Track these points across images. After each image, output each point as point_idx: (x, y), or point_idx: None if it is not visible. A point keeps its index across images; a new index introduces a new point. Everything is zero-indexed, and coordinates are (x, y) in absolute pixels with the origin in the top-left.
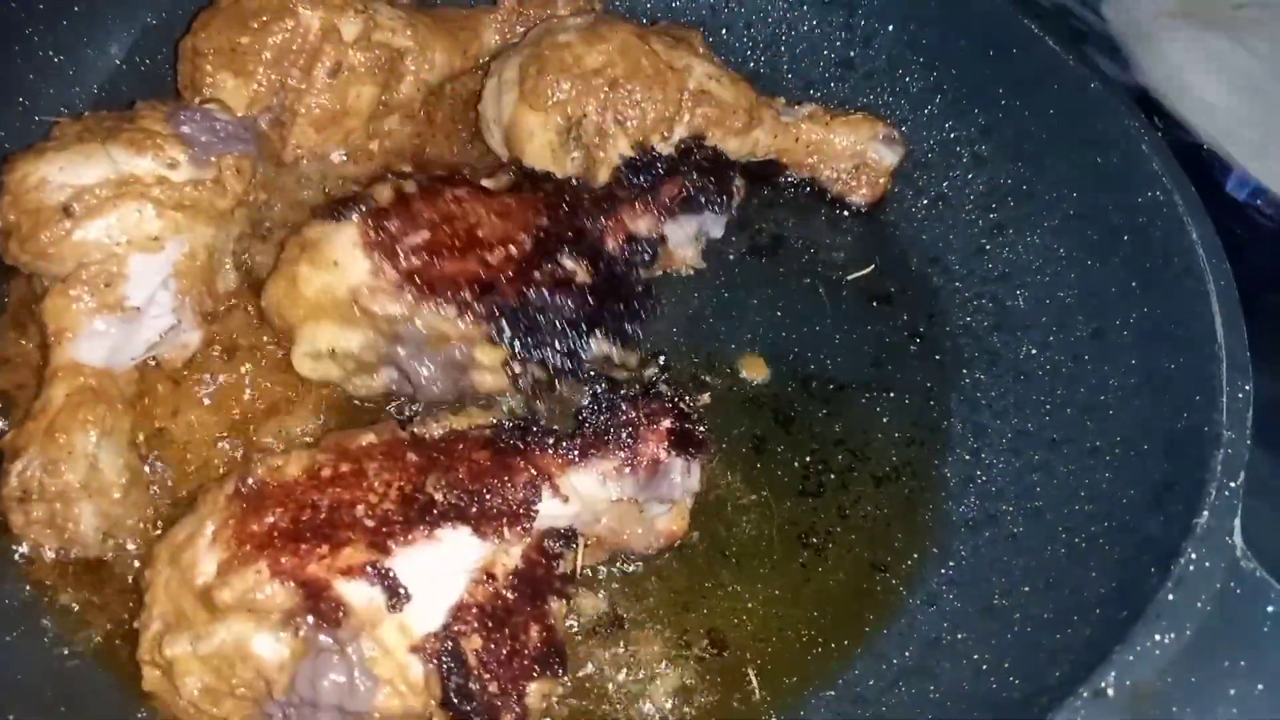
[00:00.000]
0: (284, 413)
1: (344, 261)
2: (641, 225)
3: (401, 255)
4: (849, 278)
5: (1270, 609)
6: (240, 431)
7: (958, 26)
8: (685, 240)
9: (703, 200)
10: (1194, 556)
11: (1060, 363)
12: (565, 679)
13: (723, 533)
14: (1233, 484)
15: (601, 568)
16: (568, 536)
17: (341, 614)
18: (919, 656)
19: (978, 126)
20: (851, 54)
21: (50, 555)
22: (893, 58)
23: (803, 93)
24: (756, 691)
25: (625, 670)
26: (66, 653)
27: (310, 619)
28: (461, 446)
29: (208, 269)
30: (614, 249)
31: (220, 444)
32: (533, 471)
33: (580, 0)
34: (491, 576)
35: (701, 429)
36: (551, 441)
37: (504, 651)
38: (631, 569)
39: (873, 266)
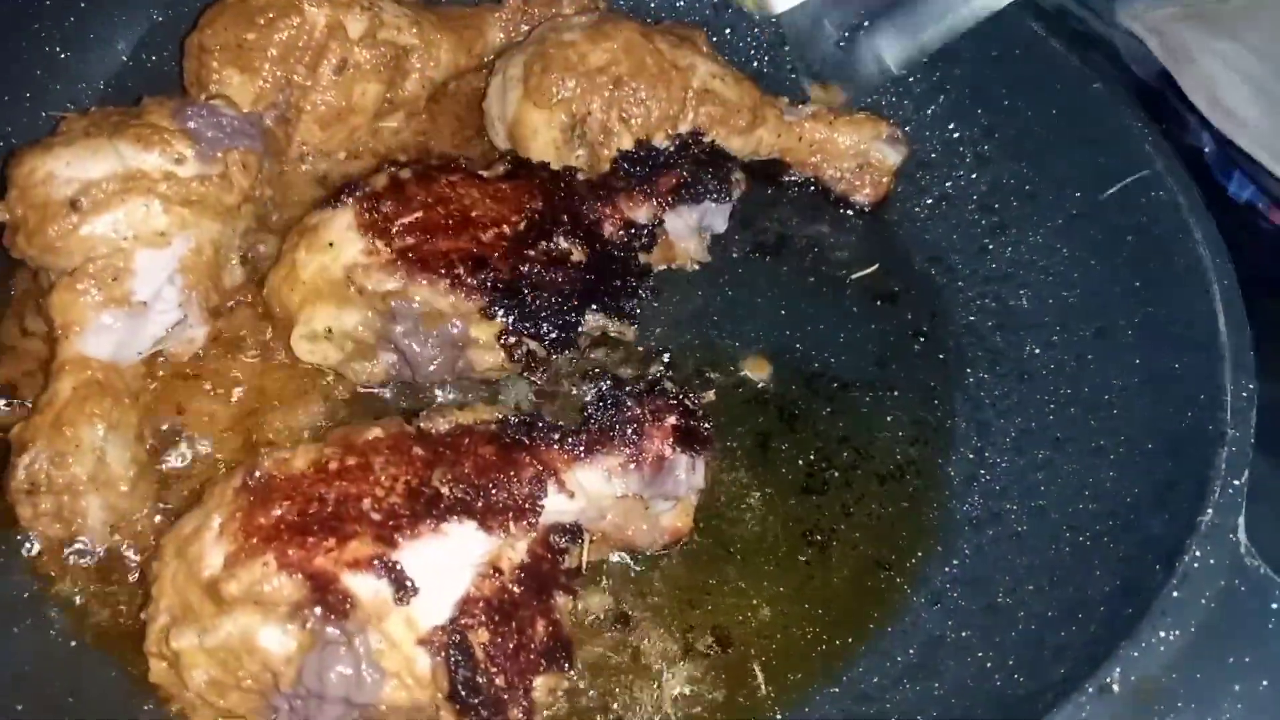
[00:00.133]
0: (290, 408)
1: (339, 242)
2: (640, 214)
3: (395, 233)
4: (852, 277)
5: (1274, 605)
6: (246, 426)
7: None
8: (687, 232)
9: (701, 190)
10: (1198, 553)
11: (1064, 362)
12: (572, 673)
13: (727, 530)
14: (1236, 481)
15: (606, 564)
16: (573, 532)
17: (348, 606)
18: (923, 654)
19: (981, 126)
20: None
21: (57, 548)
22: None
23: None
24: (762, 688)
25: (630, 666)
26: (73, 645)
27: (317, 611)
28: (468, 441)
29: (214, 264)
30: (611, 234)
31: (226, 438)
32: (538, 467)
33: None
34: (498, 571)
35: (706, 426)
36: (557, 437)
37: (510, 645)
38: (636, 566)
39: (876, 266)
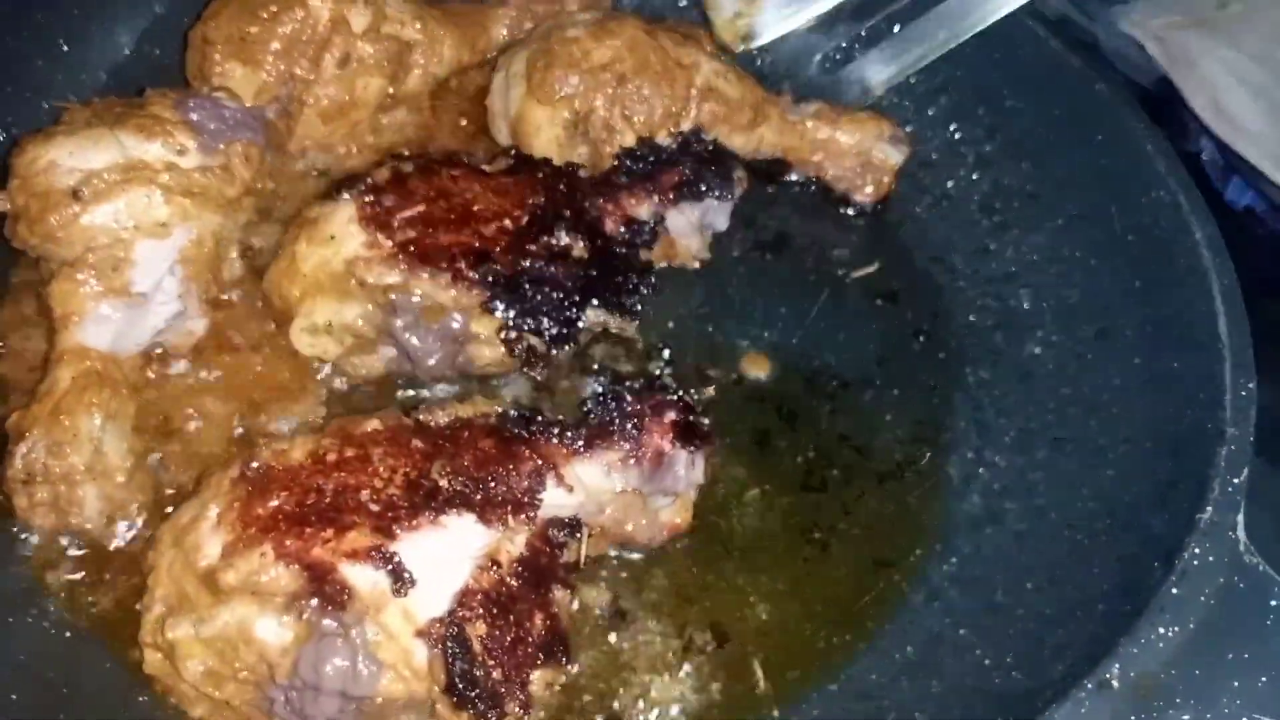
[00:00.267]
0: (289, 400)
1: (340, 235)
2: (641, 210)
3: (396, 226)
4: (853, 275)
5: (1273, 602)
6: (245, 418)
7: None
8: (689, 229)
9: (703, 188)
10: (1197, 551)
11: (1064, 362)
12: (569, 668)
13: (726, 527)
14: (1236, 480)
15: (605, 559)
16: (572, 526)
17: (346, 597)
18: (922, 652)
19: (983, 127)
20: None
21: (53, 538)
22: None
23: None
24: (760, 684)
25: (628, 662)
26: (69, 635)
27: (314, 602)
28: (467, 434)
29: (214, 256)
30: (612, 230)
31: (224, 429)
32: (538, 460)
33: None
34: (496, 564)
35: (706, 422)
36: (557, 431)
37: (508, 638)
38: (635, 561)
39: (877, 265)
